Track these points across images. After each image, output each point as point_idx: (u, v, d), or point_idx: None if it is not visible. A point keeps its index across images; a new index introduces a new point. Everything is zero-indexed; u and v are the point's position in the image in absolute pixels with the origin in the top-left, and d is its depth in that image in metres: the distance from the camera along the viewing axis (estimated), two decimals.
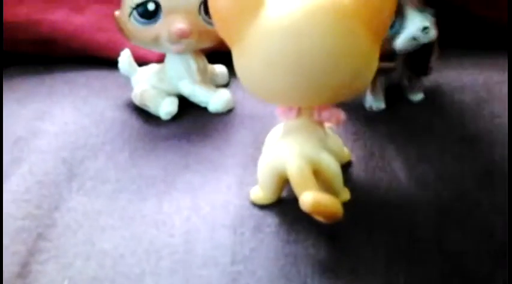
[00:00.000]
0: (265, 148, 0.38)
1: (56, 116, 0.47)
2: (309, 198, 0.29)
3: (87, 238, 0.33)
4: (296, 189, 0.31)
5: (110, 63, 0.55)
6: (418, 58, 0.48)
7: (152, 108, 0.47)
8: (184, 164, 0.40)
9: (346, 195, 0.35)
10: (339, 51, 0.30)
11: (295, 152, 0.32)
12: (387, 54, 0.44)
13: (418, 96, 0.50)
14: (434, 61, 0.49)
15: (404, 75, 0.49)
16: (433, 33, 0.44)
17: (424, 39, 0.44)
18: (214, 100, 0.48)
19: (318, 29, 0.29)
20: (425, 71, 0.49)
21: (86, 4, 0.59)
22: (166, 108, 0.46)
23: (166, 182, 0.38)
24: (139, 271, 0.31)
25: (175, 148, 0.42)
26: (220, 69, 0.53)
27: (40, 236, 0.33)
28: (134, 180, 0.38)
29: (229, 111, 0.48)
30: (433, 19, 0.44)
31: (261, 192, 0.35)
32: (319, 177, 0.32)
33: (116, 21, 0.46)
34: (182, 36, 0.44)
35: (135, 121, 0.46)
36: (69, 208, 0.36)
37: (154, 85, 0.48)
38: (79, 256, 0.32)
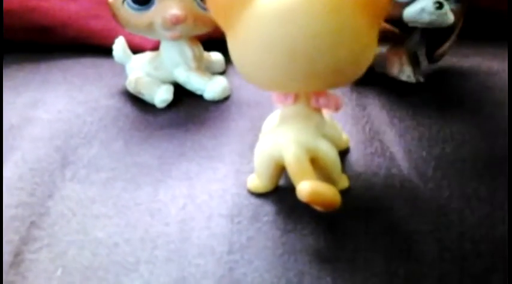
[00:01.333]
0: (261, 136, 0.38)
1: (50, 104, 0.46)
2: (306, 187, 0.28)
3: (80, 227, 0.33)
4: (293, 177, 0.30)
5: (104, 50, 0.55)
6: (432, 41, 0.47)
7: (147, 95, 0.46)
8: (180, 152, 0.40)
9: (344, 182, 0.35)
10: (334, 35, 0.29)
11: (291, 139, 0.32)
12: (398, 21, 0.44)
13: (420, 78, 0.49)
14: (445, 50, 0.48)
15: (419, 49, 0.48)
16: (446, 16, 0.43)
17: (434, 16, 0.43)
18: (210, 87, 0.47)
19: (312, 13, 0.28)
20: (431, 56, 0.49)
21: None
22: (162, 95, 0.46)
23: (162, 170, 0.38)
24: (134, 259, 0.30)
25: (171, 137, 0.42)
26: (216, 56, 0.53)
27: (33, 224, 0.33)
28: (129, 168, 0.38)
29: (226, 99, 0.47)
30: (452, 5, 0.43)
31: (257, 180, 0.35)
32: (317, 165, 0.32)
33: (109, 7, 0.45)
34: (177, 22, 0.43)
35: (129, 110, 0.46)
36: (62, 196, 0.35)
37: (149, 73, 0.48)
38: (73, 245, 0.31)
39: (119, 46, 0.49)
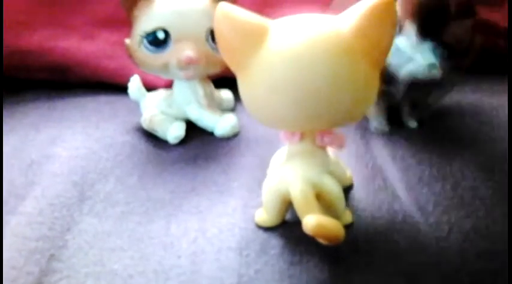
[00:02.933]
0: (269, 171, 0.39)
1: (68, 141, 0.48)
2: (311, 221, 0.30)
3: (97, 259, 0.34)
4: (299, 212, 0.32)
5: (119, 88, 0.57)
6: (421, 91, 0.49)
7: (160, 132, 0.48)
8: (192, 187, 0.41)
9: (348, 217, 0.36)
10: (339, 79, 0.31)
11: (298, 176, 0.33)
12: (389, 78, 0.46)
13: (413, 124, 0.51)
14: (435, 100, 0.50)
15: (405, 101, 0.50)
16: (436, 72, 0.45)
17: (427, 74, 0.45)
18: (221, 125, 0.49)
19: (318, 59, 0.30)
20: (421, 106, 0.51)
21: (96, 32, 0.61)
22: (174, 132, 0.48)
23: (174, 205, 0.39)
24: None
25: (183, 172, 0.44)
26: (226, 94, 0.55)
27: (53, 257, 0.34)
28: (143, 203, 0.40)
29: (235, 135, 0.50)
30: (441, 60, 0.45)
31: (265, 215, 0.36)
32: (322, 200, 0.33)
33: (126, 48, 0.48)
34: (191, 63, 0.46)
35: (144, 146, 0.48)
36: (80, 229, 0.37)
37: (163, 111, 0.50)
38: (90, 276, 0.33)
39: (134, 84, 0.51)
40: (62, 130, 0.50)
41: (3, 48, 0.58)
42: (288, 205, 0.35)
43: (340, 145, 0.36)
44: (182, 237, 0.36)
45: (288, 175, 0.34)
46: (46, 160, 0.45)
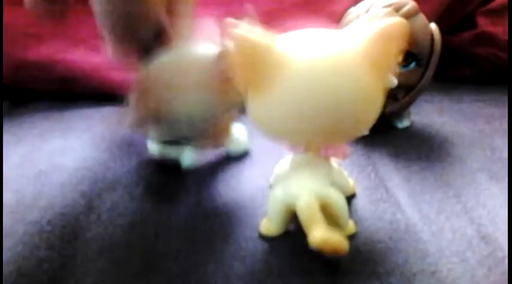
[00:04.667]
0: (272, 180, 0.40)
1: (75, 151, 0.49)
2: (317, 236, 0.31)
3: (104, 269, 0.35)
4: (304, 224, 0.33)
5: (124, 100, 0.58)
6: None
7: (175, 159, 0.46)
8: (197, 201, 0.42)
9: (351, 228, 0.37)
10: (362, 95, 0.32)
11: (304, 188, 0.34)
12: None
13: (404, 123, 0.52)
14: (395, 109, 0.51)
15: (389, 104, 0.51)
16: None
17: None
18: (235, 144, 0.48)
19: (342, 77, 0.31)
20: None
21: (102, 45, 0.62)
22: (188, 156, 0.47)
23: (180, 217, 0.40)
24: None
25: (189, 183, 0.44)
26: None
27: (61, 266, 0.35)
28: (149, 213, 0.40)
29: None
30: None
31: (269, 224, 0.37)
32: (326, 211, 0.34)
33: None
34: None
35: (149, 157, 0.48)
36: (87, 239, 0.37)
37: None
38: None
39: None
40: (70, 141, 0.51)
41: (12, 61, 0.60)
42: (292, 214, 0.35)
43: (344, 156, 0.37)
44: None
45: (293, 186, 0.35)
46: (54, 170, 0.46)
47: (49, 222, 0.39)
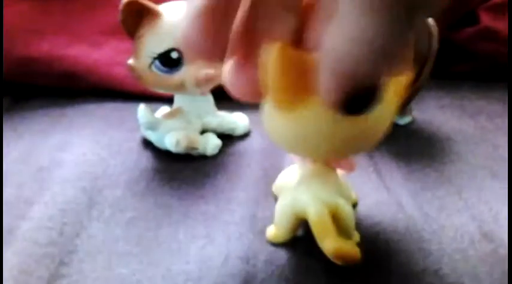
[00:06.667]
0: (275, 189, 0.40)
1: (76, 147, 0.49)
2: (331, 247, 0.32)
3: (106, 264, 0.35)
4: (317, 235, 0.33)
5: (127, 96, 0.58)
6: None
7: (201, 149, 0.47)
8: (200, 195, 0.42)
9: (356, 237, 0.36)
10: (385, 115, 0.31)
11: (314, 197, 0.34)
12: None
13: (405, 119, 0.52)
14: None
15: None
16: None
17: None
18: (240, 124, 0.51)
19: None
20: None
21: (104, 40, 0.62)
22: (213, 142, 0.48)
23: (182, 211, 0.40)
24: None
25: (190, 179, 0.44)
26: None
27: (62, 262, 0.35)
28: (151, 209, 0.40)
29: (240, 146, 0.50)
30: None
31: (277, 231, 0.36)
32: (335, 220, 0.34)
33: (131, 69, 0.46)
34: (210, 80, 0.45)
35: (150, 153, 0.48)
36: (89, 235, 0.37)
37: (185, 128, 0.48)
38: (99, 281, 0.33)
39: (144, 115, 0.47)
40: (71, 137, 0.51)
41: (12, 57, 0.59)
42: (300, 222, 0.35)
43: (351, 168, 0.37)
44: (190, 243, 0.36)
45: (303, 195, 0.35)
46: (55, 166, 0.46)
47: (50, 218, 0.39)
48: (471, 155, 0.47)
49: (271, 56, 0.28)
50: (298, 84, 0.29)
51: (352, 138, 0.31)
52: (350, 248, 0.32)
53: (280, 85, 0.29)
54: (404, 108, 0.52)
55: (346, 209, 0.35)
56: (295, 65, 0.28)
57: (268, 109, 0.32)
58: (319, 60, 0.23)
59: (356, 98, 0.22)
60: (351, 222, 0.35)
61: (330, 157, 0.36)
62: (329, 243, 0.32)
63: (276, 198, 0.39)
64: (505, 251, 0.35)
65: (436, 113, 0.56)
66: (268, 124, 0.33)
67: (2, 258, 0.34)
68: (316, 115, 0.30)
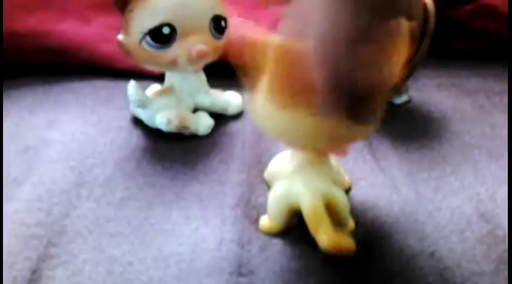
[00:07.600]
0: (267, 175, 0.39)
1: (64, 125, 0.48)
2: (325, 239, 0.31)
3: (96, 245, 0.34)
4: (311, 226, 0.32)
5: (115, 73, 0.56)
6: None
7: (193, 128, 0.46)
8: (192, 175, 0.41)
9: (351, 225, 0.36)
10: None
11: (308, 187, 0.33)
12: None
13: (402, 98, 0.51)
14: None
15: None
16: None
17: None
18: (233, 103, 0.50)
19: None
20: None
21: (92, 16, 0.60)
22: (205, 122, 0.47)
23: (175, 192, 0.39)
24: (147, 278, 0.31)
25: (182, 160, 0.43)
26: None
27: (51, 242, 0.34)
28: (142, 188, 0.39)
29: (232, 126, 0.49)
30: None
31: (270, 222, 0.36)
32: (329, 209, 0.33)
33: (120, 45, 0.44)
34: (203, 57, 0.44)
35: (140, 131, 0.47)
36: (78, 215, 0.36)
37: (177, 107, 0.47)
38: (88, 262, 0.32)
39: (136, 92, 0.45)
40: (58, 115, 0.50)
41: None
42: (294, 213, 0.34)
43: (344, 153, 0.36)
44: (183, 225, 0.36)
45: (297, 186, 0.34)
46: (42, 145, 0.45)
47: (38, 198, 0.38)
48: (468, 134, 0.46)
49: (271, 56, 0.29)
50: (295, 83, 0.29)
51: (347, 132, 0.31)
52: (344, 241, 0.31)
53: (279, 84, 0.30)
54: (401, 86, 0.51)
55: (341, 199, 0.34)
56: (293, 61, 0.29)
57: (262, 104, 0.31)
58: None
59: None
60: (345, 212, 0.35)
61: (325, 148, 0.35)
62: (324, 237, 0.31)
63: (267, 185, 0.38)
64: (503, 232, 0.34)
65: (433, 92, 0.55)
66: (261, 119, 0.33)
67: (2, 246, 0.33)
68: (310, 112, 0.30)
